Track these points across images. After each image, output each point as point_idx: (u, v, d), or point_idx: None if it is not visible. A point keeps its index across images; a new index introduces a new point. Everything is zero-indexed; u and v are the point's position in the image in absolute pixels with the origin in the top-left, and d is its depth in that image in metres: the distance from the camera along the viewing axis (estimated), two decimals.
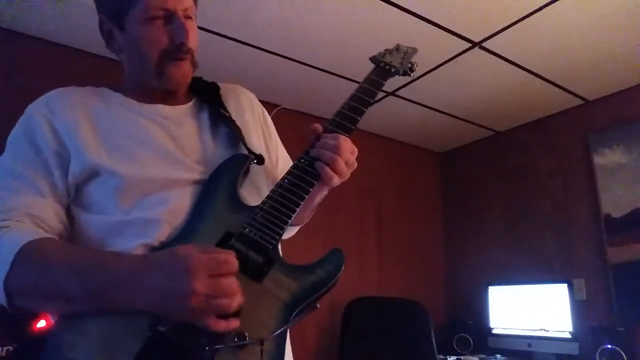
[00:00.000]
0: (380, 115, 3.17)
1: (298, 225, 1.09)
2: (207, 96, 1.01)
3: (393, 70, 1.05)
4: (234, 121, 0.98)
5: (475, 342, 2.97)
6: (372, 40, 2.31)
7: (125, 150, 0.85)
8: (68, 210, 0.84)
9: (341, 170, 0.86)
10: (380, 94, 2.86)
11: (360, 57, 2.50)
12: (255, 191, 0.94)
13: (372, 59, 1.09)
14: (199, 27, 2.27)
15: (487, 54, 2.41)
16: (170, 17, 0.88)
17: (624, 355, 2.27)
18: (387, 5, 2.04)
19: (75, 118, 0.85)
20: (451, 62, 2.49)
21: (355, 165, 0.90)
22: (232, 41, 2.29)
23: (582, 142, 2.90)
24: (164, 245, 0.79)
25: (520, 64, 2.51)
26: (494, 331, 2.93)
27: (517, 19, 2.14)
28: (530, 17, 2.12)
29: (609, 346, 2.32)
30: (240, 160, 0.92)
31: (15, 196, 0.78)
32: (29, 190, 0.79)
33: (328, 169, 0.85)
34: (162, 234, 0.80)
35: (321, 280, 0.80)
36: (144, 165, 0.84)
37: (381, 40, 2.37)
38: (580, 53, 2.40)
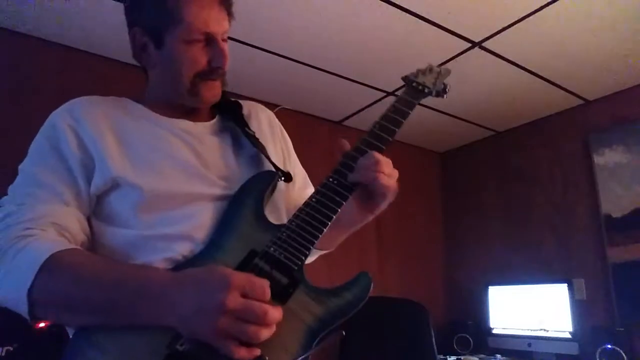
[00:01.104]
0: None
1: (327, 250, 1.07)
2: (230, 114, 1.01)
3: (426, 90, 1.04)
4: (257, 139, 0.98)
5: (475, 342, 2.97)
6: (373, 40, 2.31)
7: (149, 163, 0.84)
8: (88, 221, 0.84)
9: (389, 184, 0.86)
10: (380, 94, 2.86)
11: (361, 57, 2.51)
12: (274, 209, 0.93)
13: (405, 79, 1.07)
14: None
15: (487, 54, 2.41)
16: (210, 39, 0.88)
17: (624, 355, 2.27)
18: (387, 5, 2.04)
19: (99, 128, 0.85)
20: (451, 62, 2.49)
21: (396, 175, 0.89)
22: (232, 41, 2.29)
23: (582, 142, 2.90)
24: (188, 261, 0.78)
25: (520, 64, 2.51)
26: (494, 331, 2.93)
27: (517, 19, 2.14)
28: (530, 17, 2.12)
29: (609, 346, 2.32)
30: (268, 177, 0.91)
31: (39, 205, 0.78)
32: (53, 199, 0.79)
33: (379, 181, 0.84)
34: (185, 249, 0.80)
35: (349, 304, 0.78)
36: (167, 180, 0.83)
37: (381, 40, 2.38)
38: (580, 53, 2.40)
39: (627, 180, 2.63)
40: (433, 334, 2.45)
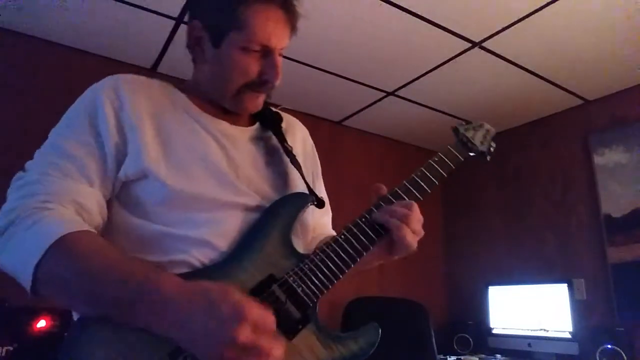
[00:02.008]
0: (380, 115, 3.17)
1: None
2: (270, 123, 1.00)
3: (473, 148, 1.03)
4: (295, 156, 0.97)
5: (475, 342, 2.97)
6: (373, 40, 2.31)
7: (181, 162, 0.82)
8: (109, 204, 0.81)
9: (411, 243, 0.85)
10: (380, 94, 2.86)
11: (360, 57, 2.51)
12: (295, 232, 0.90)
13: (455, 131, 1.06)
14: None
15: (487, 54, 2.41)
16: (267, 52, 0.87)
17: (624, 355, 2.27)
18: (387, 5, 2.04)
19: (140, 114, 0.83)
20: (451, 62, 2.49)
21: (422, 234, 0.87)
22: None
23: (582, 142, 2.90)
24: (204, 269, 0.77)
25: (520, 64, 2.51)
26: (494, 331, 2.93)
27: (517, 19, 2.14)
28: (530, 17, 2.12)
29: (609, 346, 2.32)
30: (302, 200, 0.90)
31: (64, 179, 0.75)
32: (78, 176, 0.77)
33: (405, 239, 0.83)
34: (204, 255, 0.78)
35: (353, 356, 0.78)
36: (196, 182, 0.82)
37: (381, 40, 2.38)
38: (580, 53, 2.40)
39: (627, 180, 2.63)
40: (433, 334, 2.45)
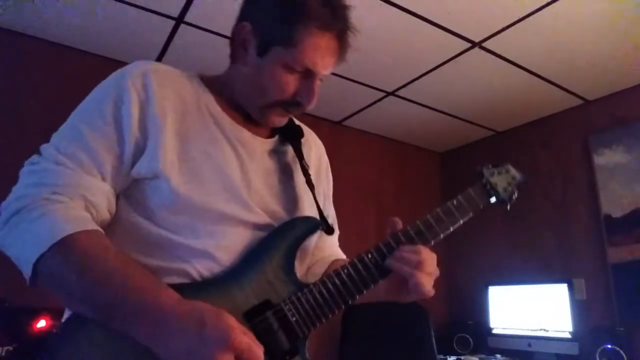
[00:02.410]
0: (380, 115, 3.17)
1: None
2: (290, 137, 0.98)
3: (493, 195, 1.00)
4: (310, 176, 0.95)
5: (475, 342, 2.97)
6: (372, 40, 2.31)
7: (196, 169, 0.81)
8: (117, 197, 0.81)
9: (427, 288, 0.82)
10: (380, 94, 2.86)
11: (360, 57, 2.50)
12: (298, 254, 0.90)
13: (479, 174, 1.03)
14: (200, 28, 2.29)
15: (487, 54, 2.41)
16: (308, 75, 0.85)
17: (624, 355, 2.27)
18: (387, 5, 2.04)
19: (165, 112, 0.81)
20: (451, 62, 2.49)
21: (438, 274, 0.86)
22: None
23: (582, 142, 2.90)
24: (203, 282, 0.77)
25: (520, 64, 2.51)
26: (494, 331, 2.93)
27: (517, 19, 2.14)
28: (530, 17, 2.12)
29: (609, 346, 2.32)
30: (311, 226, 0.89)
31: (77, 172, 0.75)
32: (93, 170, 0.76)
33: (422, 286, 0.81)
34: (205, 267, 0.78)
35: None
36: (206, 193, 0.81)
37: (381, 40, 2.38)
38: (580, 53, 2.40)
39: (627, 180, 2.63)
40: (433, 334, 2.45)
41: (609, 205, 2.68)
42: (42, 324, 1.67)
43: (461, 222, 0.93)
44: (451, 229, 0.92)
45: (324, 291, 0.80)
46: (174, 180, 0.78)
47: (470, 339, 2.98)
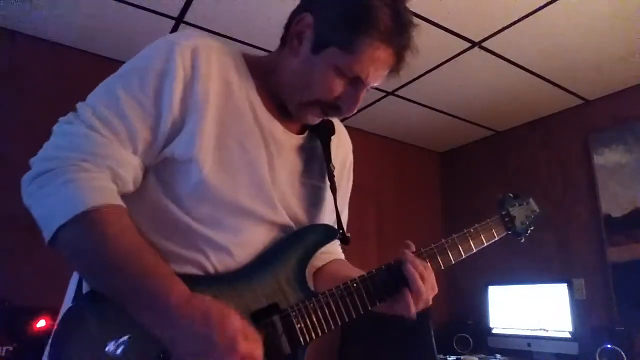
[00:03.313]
0: (380, 115, 3.16)
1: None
2: (321, 134, 0.96)
3: (511, 228, 1.03)
4: (334, 178, 0.95)
5: (475, 342, 2.97)
6: None
7: (229, 160, 0.81)
8: (146, 171, 0.80)
9: (420, 304, 0.86)
10: (380, 94, 2.86)
11: None
12: None
13: (500, 203, 1.05)
14: (199, 27, 2.28)
15: (487, 54, 2.41)
16: (357, 82, 0.83)
17: (624, 355, 2.27)
18: None
19: (208, 93, 0.79)
20: (451, 62, 2.49)
21: (430, 303, 0.89)
22: (232, 40, 2.29)
23: (582, 142, 2.90)
24: (217, 276, 0.79)
25: (520, 64, 2.51)
26: (494, 331, 2.93)
27: (517, 19, 2.14)
28: (530, 17, 2.12)
29: (609, 346, 2.32)
30: (329, 234, 0.91)
31: (110, 142, 0.73)
32: (126, 141, 0.74)
33: (411, 300, 0.84)
34: (221, 262, 0.79)
35: None
36: (235, 186, 0.81)
37: None
38: (580, 53, 2.40)
39: (627, 180, 2.62)
40: (433, 334, 2.45)
41: (609, 205, 2.68)
42: (42, 324, 1.67)
43: (474, 251, 0.97)
44: (463, 257, 0.96)
45: (331, 303, 0.81)
46: (206, 169, 0.78)
47: (470, 339, 2.98)
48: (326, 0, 0.84)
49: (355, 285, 0.83)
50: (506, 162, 3.36)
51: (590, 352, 2.39)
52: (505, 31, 2.22)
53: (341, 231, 0.93)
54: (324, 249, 1.02)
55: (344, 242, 0.94)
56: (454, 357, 2.83)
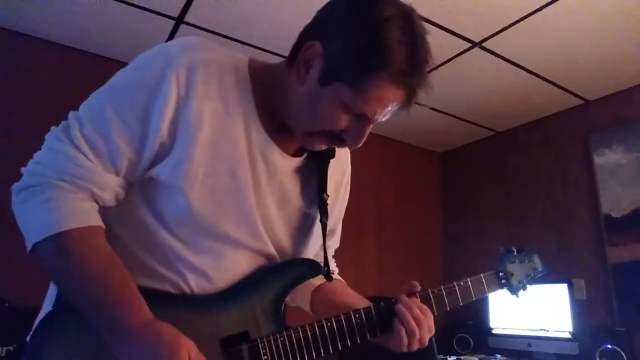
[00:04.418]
0: None
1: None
2: (318, 159, 0.92)
3: (505, 284, 1.01)
4: (327, 207, 0.92)
5: (475, 342, 2.97)
6: None
7: (217, 187, 0.79)
8: (130, 184, 0.80)
9: (413, 344, 0.85)
10: None
11: None
12: None
13: (499, 257, 1.03)
14: (200, 28, 2.28)
15: (487, 54, 2.41)
16: (362, 118, 0.78)
17: (624, 355, 2.27)
18: None
19: (203, 115, 0.76)
20: (451, 62, 2.49)
21: (426, 345, 0.88)
22: (232, 41, 2.29)
23: (582, 142, 2.90)
24: (193, 297, 0.79)
25: (520, 64, 2.51)
26: (494, 331, 2.93)
27: (517, 19, 2.14)
28: (530, 17, 2.12)
29: (609, 346, 2.32)
30: (313, 270, 0.90)
31: (93, 166, 0.74)
32: (108, 164, 0.75)
33: (405, 341, 0.84)
34: (199, 285, 0.80)
35: None
36: (220, 212, 0.80)
37: None
38: (580, 53, 2.40)
39: (627, 180, 2.62)
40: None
41: (609, 205, 2.68)
42: None
43: (461, 304, 0.96)
44: (447, 309, 0.96)
45: (301, 339, 0.81)
46: (191, 196, 0.77)
47: (470, 339, 2.98)
48: (338, 31, 0.76)
49: (329, 324, 0.83)
50: (506, 162, 3.36)
51: (590, 352, 2.39)
52: (505, 31, 2.22)
53: (326, 268, 0.91)
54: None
55: (327, 278, 0.93)
56: (454, 357, 2.83)
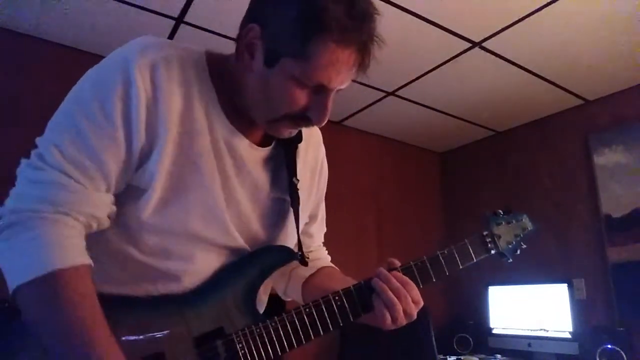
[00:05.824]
0: (380, 115, 3.16)
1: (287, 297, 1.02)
2: (287, 146, 0.89)
3: (492, 248, 0.95)
4: (298, 192, 0.89)
5: (475, 342, 2.97)
6: None
7: (181, 185, 0.77)
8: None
9: (398, 318, 0.81)
10: (380, 94, 2.86)
11: None
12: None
13: (484, 219, 0.97)
14: (199, 27, 2.28)
15: (487, 54, 2.41)
16: (321, 90, 0.75)
17: (624, 355, 2.27)
18: (387, 5, 2.04)
19: (171, 113, 0.75)
20: (451, 62, 2.49)
21: (414, 317, 0.83)
22: (232, 41, 2.28)
23: (582, 142, 2.90)
24: (163, 297, 0.77)
25: (520, 64, 2.51)
26: (494, 331, 2.93)
27: (517, 19, 2.14)
28: (530, 17, 2.11)
29: (609, 346, 2.32)
30: (286, 256, 0.88)
31: (86, 188, 0.71)
32: (99, 182, 0.72)
33: (387, 315, 0.80)
34: (169, 288, 0.78)
35: None
36: (186, 211, 0.78)
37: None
38: (580, 53, 2.40)
39: (627, 180, 2.63)
40: (433, 334, 2.45)
41: (609, 205, 2.68)
42: None
43: (447, 273, 0.90)
44: (433, 280, 0.89)
45: (279, 329, 0.78)
46: (156, 197, 0.75)
47: (470, 339, 2.98)
48: (272, 7, 0.75)
49: (307, 309, 0.80)
50: (506, 162, 3.36)
51: (590, 352, 2.39)
52: (505, 31, 2.22)
53: (299, 253, 0.89)
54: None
55: (302, 263, 0.91)
56: (454, 357, 2.83)
